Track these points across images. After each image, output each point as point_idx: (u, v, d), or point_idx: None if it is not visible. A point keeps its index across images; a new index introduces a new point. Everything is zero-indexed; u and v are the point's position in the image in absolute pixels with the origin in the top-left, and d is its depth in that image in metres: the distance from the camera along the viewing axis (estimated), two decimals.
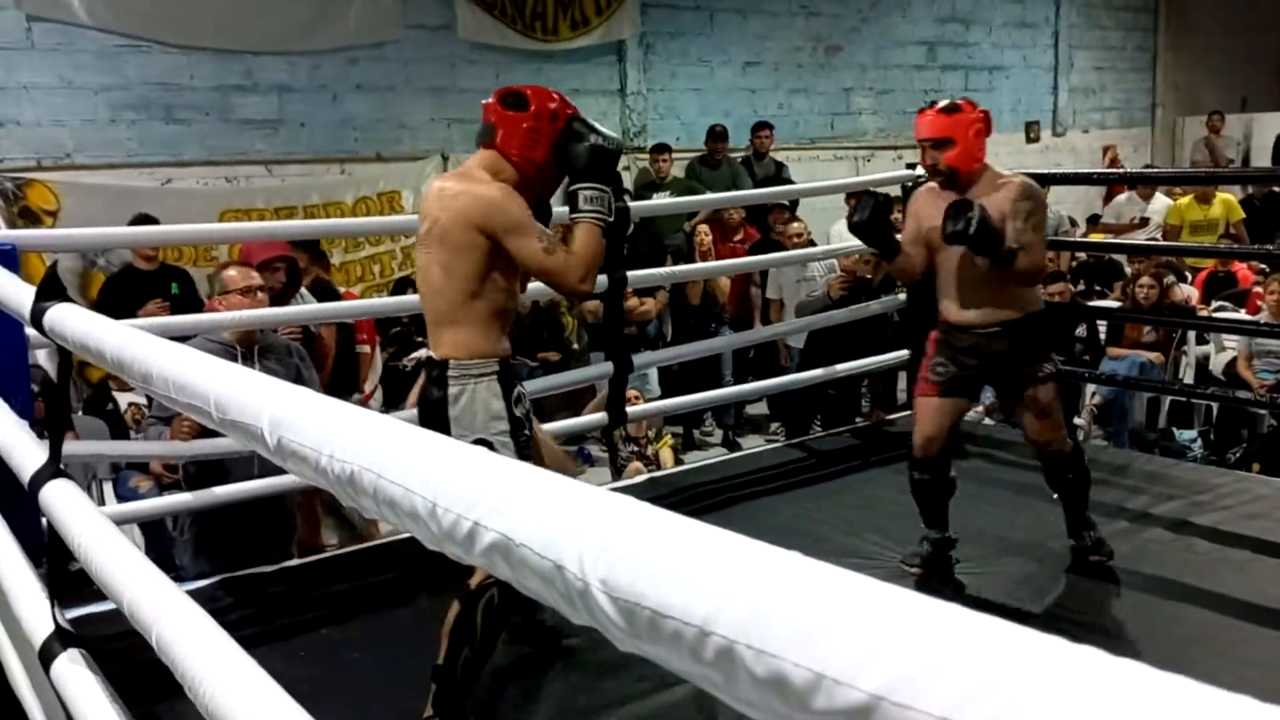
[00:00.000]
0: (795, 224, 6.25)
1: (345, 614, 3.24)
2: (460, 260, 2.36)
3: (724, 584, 0.46)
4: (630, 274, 4.38)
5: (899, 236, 3.39)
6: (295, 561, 3.60)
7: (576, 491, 0.59)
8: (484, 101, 2.52)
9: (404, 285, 6.59)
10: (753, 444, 6.22)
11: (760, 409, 6.80)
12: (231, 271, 3.56)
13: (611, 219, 2.49)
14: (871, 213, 3.22)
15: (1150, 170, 10.14)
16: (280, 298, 4.15)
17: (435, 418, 2.41)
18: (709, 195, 6.88)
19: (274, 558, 3.51)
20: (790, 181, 7.85)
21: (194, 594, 3.17)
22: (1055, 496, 3.42)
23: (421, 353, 4.58)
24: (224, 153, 6.38)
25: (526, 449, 2.48)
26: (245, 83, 6.43)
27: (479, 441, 2.32)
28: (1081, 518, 3.35)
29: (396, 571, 3.50)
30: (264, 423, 0.90)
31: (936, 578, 3.31)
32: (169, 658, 1.18)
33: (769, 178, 7.90)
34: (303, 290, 4.98)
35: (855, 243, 6.44)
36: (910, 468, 3.38)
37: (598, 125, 2.51)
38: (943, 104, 3.21)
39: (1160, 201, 8.30)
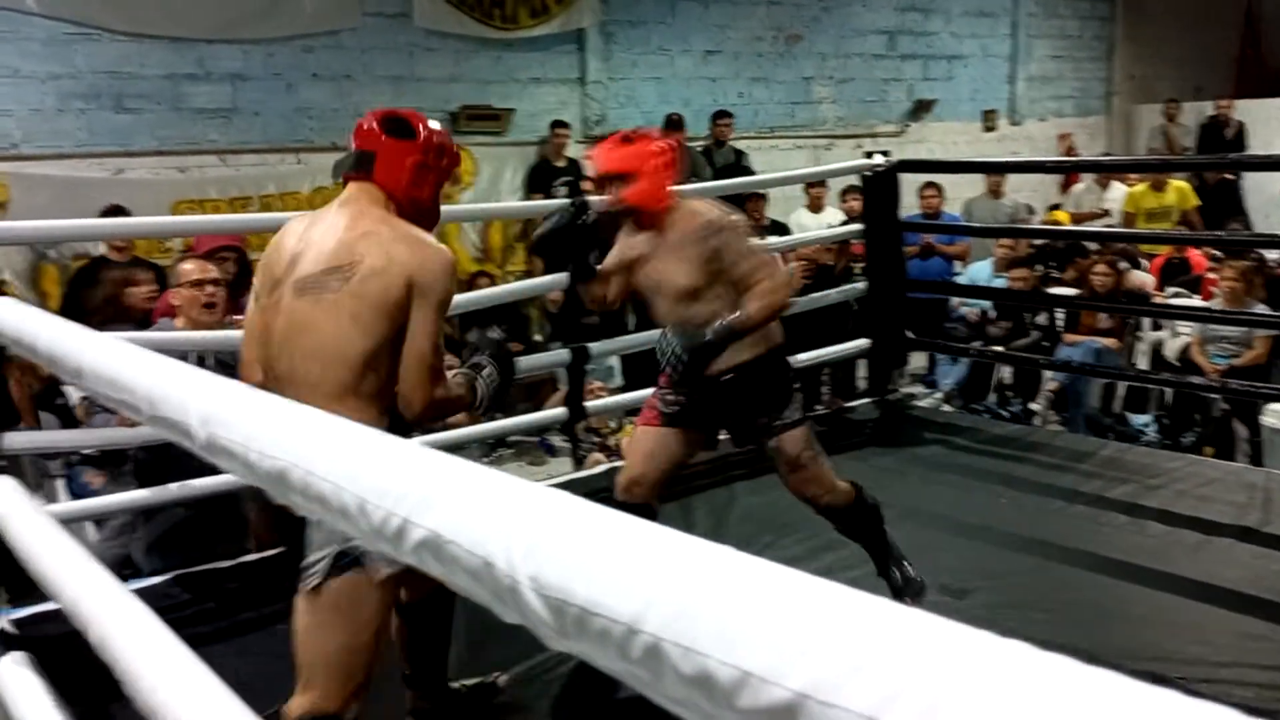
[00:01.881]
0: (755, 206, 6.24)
1: None
2: (377, 320, 1.94)
3: (652, 581, 0.45)
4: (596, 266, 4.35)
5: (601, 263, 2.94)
6: (252, 556, 3.55)
7: (506, 487, 0.58)
8: (359, 126, 2.16)
9: None
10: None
11: None
12: (187, 264, 3.53)
13: (479, 404, 2.17)
14: (564, 221, 2.84)
15: (1109, 158, 10.26)
16: (231, 288, 4.09)
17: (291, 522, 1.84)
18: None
19: (230, 553, 3.46)
20: (750, 170, 7.86)
21: (148, 590, 3.13)
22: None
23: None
24: (176, 142, 6.27)
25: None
26: (198, 71, 6.32)
27: (341, 554, 1.93)
28: (885, 556, 2.96)
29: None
30: (193, 418, 0.87)
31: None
32: (108, 655, 1.15)
33: (728, 166, 7.91)
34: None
35: (818, 232, 6.49)
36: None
37: (491, 331, 2.36)
38: (623, 133, 2.90)
39: (1117, 190, 8.40)
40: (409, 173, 2.07)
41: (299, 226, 2.12)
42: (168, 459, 3.30)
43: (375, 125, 2.10)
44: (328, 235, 2.01)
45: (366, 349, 1.94)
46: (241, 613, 3.15)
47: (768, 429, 2.76)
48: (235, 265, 4.27)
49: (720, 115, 8.14)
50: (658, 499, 2.85)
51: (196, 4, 6.17)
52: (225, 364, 3.46)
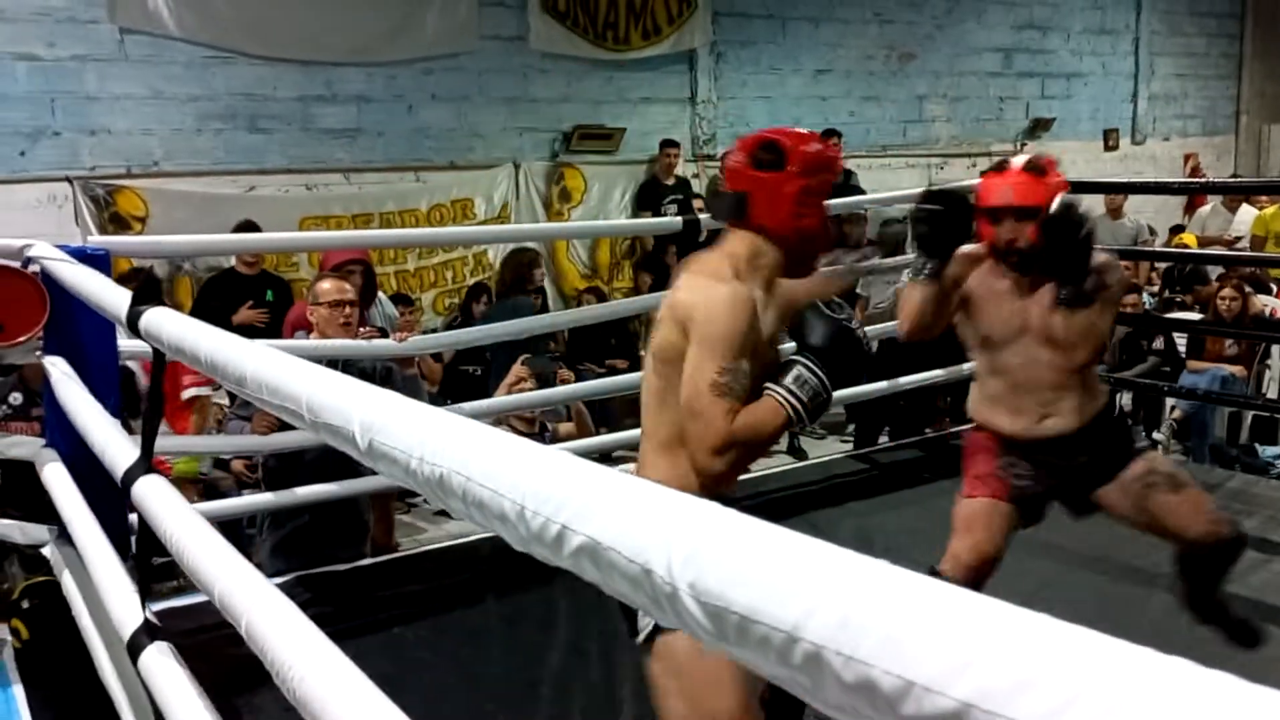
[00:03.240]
0: (856, 227, 6.19)
1: (415, 614, 3.29)
2: (675, 372, 1.81)
3: (813, 590, 0.47)
4: None
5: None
6: (368, 561, 3.67)
7: (664, 496, 0.61)
8: (725, 164, 2.00)
9: (479, 291, 6.69)
10: (822, 450, 6.19)
11: (838, 411, 6.74)
12: (325, 284, 3.63)
13: (805, 419, 1.85)
14: (948, 205, 2.48)
15: (1235, 179, 9.85)
16: (359, 301, 4.24)
17: None
18: None
19: (348, 557, 3.57)
20: (860, 190, 7.80)
21: None
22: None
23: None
24: (304, 161, 6.54)
25: None
26: (325, 93, 6.58)
27: None
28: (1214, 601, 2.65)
29: (467, 574, 3.55)
30: (355, 425, 0.93)
31: None
32: (259, 646, 1.22)
33: (838, 185, 7.84)
34: (381, 296, 5.10)
35: None
36: None
37: (844, 306, 1.99)
38: (1022, 161, 2.51)
39: (1247, 212, 8.08)
40: (789, 204, 1.87)
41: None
42: (295, 466, 3.45)
43: (744, 161, 1.91)
44: (669, 295, 1.91)
45: (672, 404, 1.82)
46: (358, 616, 3.25)
47: (1127, 459, 2.53)
48: (362, 278, 4.42)
49: (829, 134, 8.09)
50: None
51: (327, 28, 6.43)
52: (365, 372, 3.60)
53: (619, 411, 6.51)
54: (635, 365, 6.31)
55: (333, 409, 0.96)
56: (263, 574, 3.44)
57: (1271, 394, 6.00)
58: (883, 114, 8.92)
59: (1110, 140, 10.25)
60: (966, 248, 2.54)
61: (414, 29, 6.70)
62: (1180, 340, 6.23)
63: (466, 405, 4.17)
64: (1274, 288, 6.87)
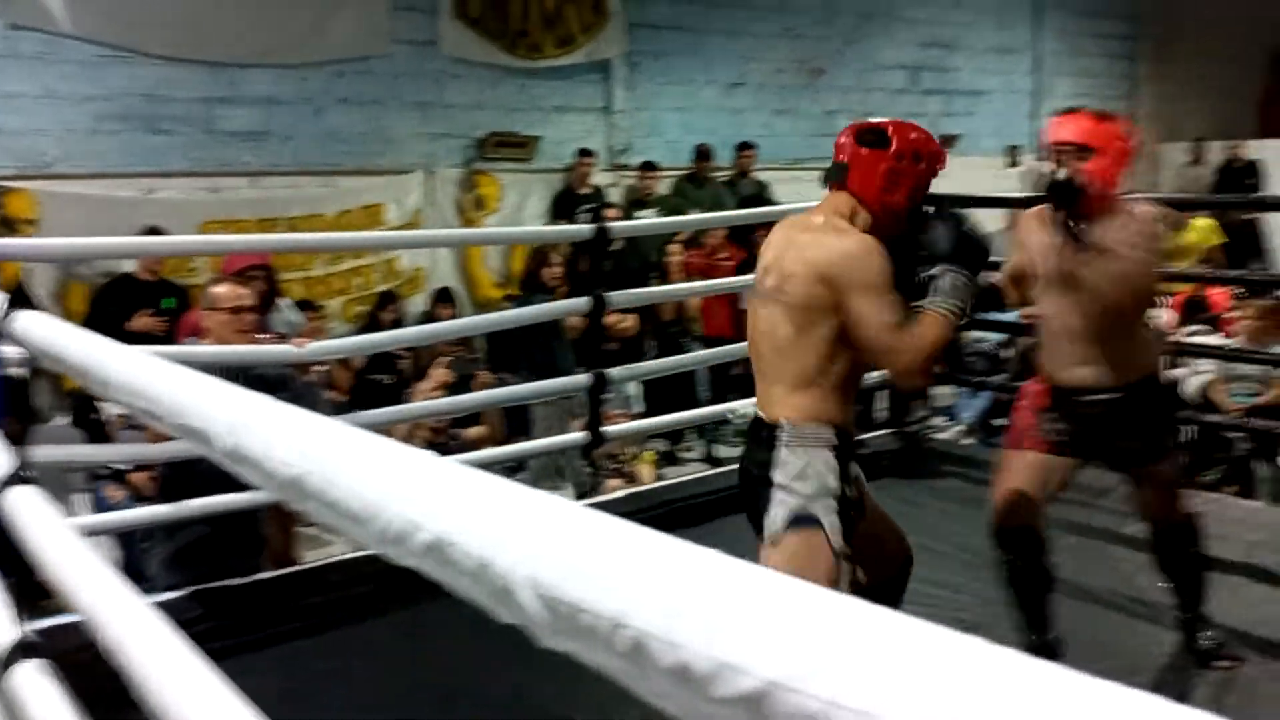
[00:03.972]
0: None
1: (316, 628, 3.22)
2: (811, 320, 2.13)
3: (638, 580, 0.47)
4: (610, 294, 4.40)
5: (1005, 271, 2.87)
6: (267, 574, 3.58)
7: (507, 493, 0.61)
8: (838, 139, 2.31)
9: (387, 300, 6.59)
10: (737, 458, 6.23)
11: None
12: (221, 289, 3.54)
13: (966, 315, 2.19)
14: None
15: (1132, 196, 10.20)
16: (259, 307, 4.15)
17: (756, 482, 2.19)
18: (693, 216, 6.92)
19: (245, 570, 3.49)
20: (774, 201, 7.91)
21: (164, 606, 3.15)
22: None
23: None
24: (207, 164, 6.38)
25: (851, 533, 2.18)
26: (230, 94, 6.43)
27: (803, 513, 2.13)
28: (1194, 604, 2.85)
29: (371, 585, 3.48)
30: (218, 427, 0.91)
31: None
32: (126, 668, 1.18)
33: (752, 197, 7.96)
34: (283, 301, 5.00)
35: None
36: (997, 545, 2.77)
37: (961, 213, 2.28)
38: (1094, 110, 2.73)
39: None
40: (880, 179, 2.20)
41: (779, 235, 2.31)
42: (190, 475, 3.35)
43: (850, 138, 2.28)
44: (779, 246, 2.25)
45: (809, 352, 2.14)
46: (256, 630, 3.17)
47: (1160, 450, 2.70)
48: (265, 284, 4.33)
49: (743, 146, 8.20)
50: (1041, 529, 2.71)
51: (232, 29, 6.29)
52: (262, 379, 3.52)
53: (535, 420, 6.49)
54: (553, 374, 6.28)
55: (196, 412, 0.93)
56: (157, 587, 3.35)
57: None
58: (795, 127, 9.05)
59: (1012, 156, 10.56)
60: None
61: (323, 32, 6.60)
62: None
63: (371, 413, 4.11)
64: (1165, 300, 7.14)
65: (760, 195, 8.09)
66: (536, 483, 5.31)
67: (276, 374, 3.59)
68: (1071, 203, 2.55)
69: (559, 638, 0.52)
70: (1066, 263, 2.59)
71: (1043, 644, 2.72)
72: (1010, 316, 6.75)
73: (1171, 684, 2.82)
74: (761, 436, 2.22)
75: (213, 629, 3.13)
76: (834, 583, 2.10)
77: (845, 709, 0.37)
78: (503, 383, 5.58)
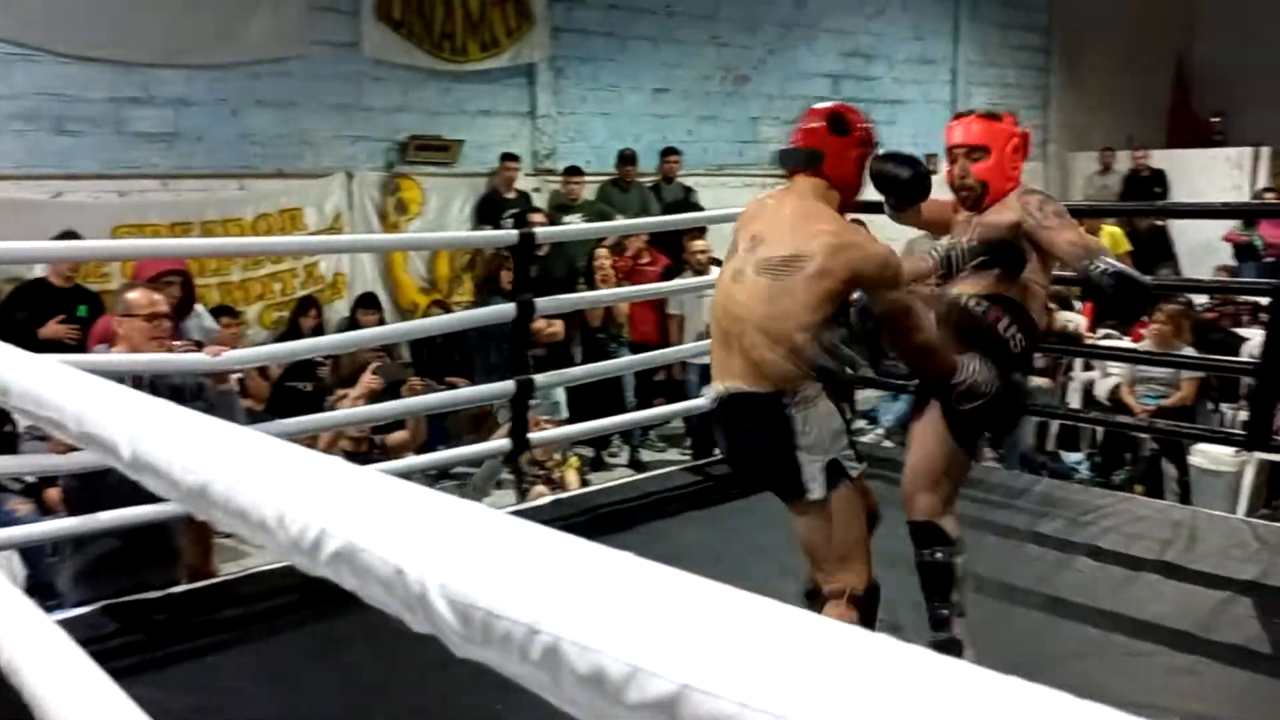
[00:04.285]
0: (698, 241, 6.32)
1: (233, 641, 3.15)
2: (817, 296, 2.33)
3: (552, 584, 0.46)
4: (538, 300, 4.37)
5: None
6: (182, 587, 3.48)
7: (418, 498, 0.59)
8: (801, 126, 2.53)
9: (307, 305, 6.46)
10: (662, 462, 6.25)
11: (677, 424, 6.82)
12: (134, 294, 3.43)
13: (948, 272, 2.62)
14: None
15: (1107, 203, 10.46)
16: (174, 314, 4.04)
17: (770, 454, 2.39)
18: (620, 221, 6.93)
19: (160, 583, 3.39)
20: (699, 206, 7.96)
21: (73, 622, 3.05)
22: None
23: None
24: (117, 166, 6.19)
25: (857, 454, 2.47)
26: (141, 95, 6.26)
27: (831, 464, 2.37)
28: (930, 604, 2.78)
29: (290, 597, 3.40)
30: (121, 435, 0.87)
31: None
32: (23, 686, 1.13)
33: (677, 202, 7.99)
34: (199, 308, 4.86)
35: None
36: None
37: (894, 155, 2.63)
38: (985, 109, 2.95)
39: None
40: (852, 165, 2.47)
41: (757, 210, 2.56)
42: (99, 487, 3.24)
43: (822, 123, 2.47)
44: (784, 227, 2.40)
45: (811, 320, 2.32)
46: (170, 644, 3.09)
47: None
48: (180, 289, 4.22)
49: (668, 152, 8.23)
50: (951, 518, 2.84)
51: (141, 28, 6.12)
52: (176, 388, 3.42)
53: (456, 428, 6.42)
54: (475, 381, 6.23)
55: (98, 420, 0.90)
56: (66, 602, 3.24)
57: (1074, 404, 6.41)
58: (719, 134, 9.12)
59: (931, 164, 10.76)
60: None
61: (238, 32, 6.45)
62: None
63: (289, 421, 4.03)
64: (1076, 305, 7.35)
65: (686, 200, 8.13)
66: (491, 479, 5.27)
67: (192, 382, 3.50)
68: (905, 198, 2.77)
69: (473, 646, 0.51)
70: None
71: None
72: None
73: (1081, 678, 2.90)
74: (758, 408, 2.37)
75: (125, 645, 3.05)
76: (859, 517, 2.47)
77: (758, 711, 0.36)
78: (430, 389, 5.50)
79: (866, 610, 2.56)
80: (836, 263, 2.33)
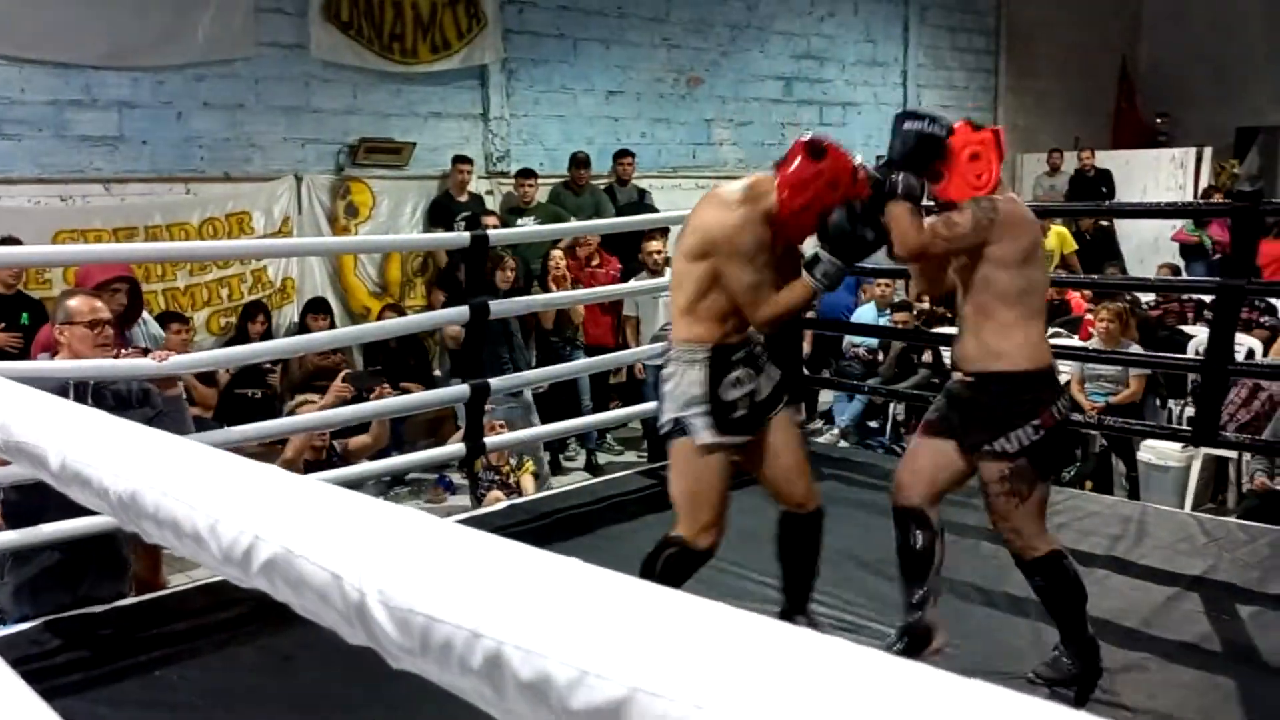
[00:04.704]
0: (654, 243, 6.31)
1: (182, 655, 3.08)
2: (692, 267, 2.63)
3: (495, 588, 0.44)
4: (491, 303, 4.34)
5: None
6: (130, 600, 3.41)
7: (354, 504, 0.57)
8: (801, 138, 2.71)
9: (255, 310, 6.36)
10: (619, 465, 6.23)
11: (634, 426, 6.80)
12: (75, 301, 3.34)
13: (825, 290, 2.73)
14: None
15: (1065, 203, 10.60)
16: (121, 322, 3.96)
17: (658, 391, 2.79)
18: (574, 223, 6.90)
19: (106, 597, 3.31)
20: (653, 208, 7.95)
21: (13, 639, 2.96)
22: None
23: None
24: (59, 170, 6.06)
25: (736, 427, 2.66)
26: (83, 98, 6.12)
27: (675, 421, 2.64)
28: (1070, 633, 2.76)
29: (241, 609, 3.34)
30: (50, 445, 0.83)
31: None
32: None
33: (631, 204, 7.98)
34: (145, 315, 4.76)
35: None
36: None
37: (867, 218, 2.68)
38: None
39: None
40: (795, 182, 2.63)
41: (700, 201, 2.79)
42: (40, 498, 3.15)
43: (804, 143, 2.68)
44: (695, 212, 2.73)
45: (690, 290, 2.64)
46: (116, 660, 3.02)
47: (976, 447, 2.68)
48: (127, 296, 4.13)
49: (622, 154, 8.23)
50: (934, 508, 2.80)
51: (83, 30, 5.99)
52: (120, 395, 3.34)
53: (411, 432, 6.36)
54: (431, 387, 6.17)
55: (25, 430, 0.86)
56: (8, 619, 3.14)
57: None
58: (673, 136, 9.13)
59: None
60: None
61: (183, 33, 6.33)
62: (946, 353, 6.65)
63: (243, 428, 3.96)
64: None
65: (640, 202, 8.12)
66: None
67: (139, 389, 3.43)
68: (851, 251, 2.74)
69: (411, 657, 0.48)
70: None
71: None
72: (883, 321, 6.95)
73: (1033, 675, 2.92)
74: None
75: (69, 662, 2.97)
76: (699, 478, 2.67)
77: (711, 714, 0.35)
78: (404, 394, 5.44)
79: (677, 567, 2.72)
80: (699, 234, 2.64)
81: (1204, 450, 5.06)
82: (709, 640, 0.39)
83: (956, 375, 2.82)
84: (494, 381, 4.41)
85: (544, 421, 5.55)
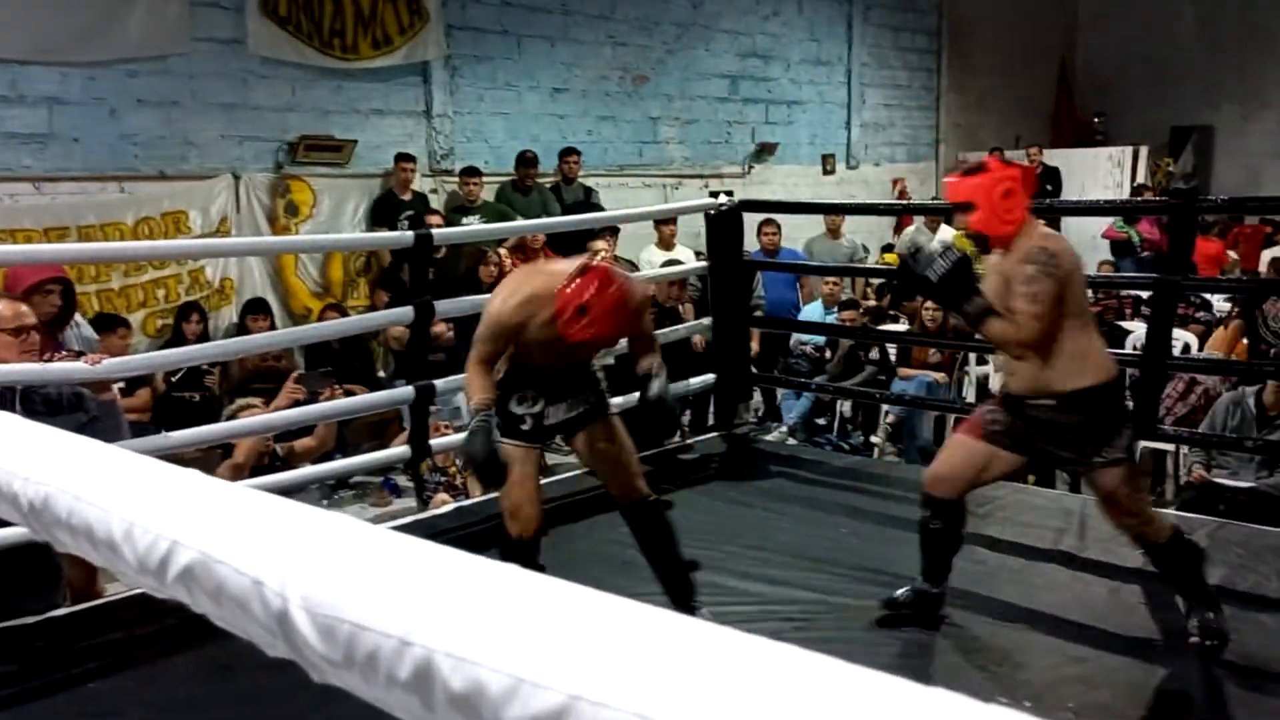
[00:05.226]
0: (600, 242, 6.27)
1: (117, 665, 3.00)
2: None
3: (423, 594, 0.41)
4: (437, 303, 4.28)
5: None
6: (63, 610, 3.31)
7: (275, 507, 0.53)
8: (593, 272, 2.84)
9: (189, 310, 6.22)
10: (565, 465, 6.18)
11: None
12: None
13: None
14: (953, 267, 2.89)
15: (937, 201, 10.75)
16: (54, 324, 3.83)
17: None
18: (519, 222, 6.84)
19: (38, 607, 3.21)
20: (600, 207, 7.92)
21: None
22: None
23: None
24: None
25: (521, 436, 2.96)
26: (9, 94, 5.93)
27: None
28: (1199, 598, 2.96)
29: (180, 617, 3.24)
30: None
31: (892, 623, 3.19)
32: None
33: (578, 203, 7.94)
34: (77, 318, 4.62)
35: (662, 270, 6.56)
36: (923, 506, 3.14)
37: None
38: (970, 164, 3.08)
39: (946, 232, 8.83)
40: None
41: None
42: None
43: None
44: None
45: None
46: (49, 673, 2.93)
47: (1088, 461, 2.85)
48: (60, 298, 4.00)
49: (568, 152, 8.18)
50: (964, 501, 3.08)
51: (8, 24, 5.80)
52: (51, 399, 3.24)
53: (351, 436, 6.25)
54: (375, 389, 6.08)
55: None
56: None
57: (970, 397, 6.56)
58: (619, 134, 9.10)
59: (827, 165, 10.95)
60: None
61: (115, 28, 6.17)
62: (892, 350, 6.71)
63: (182, 433, 3.86)
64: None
65: (587, 201, 8.08)
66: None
67: (71, 393, 3.32)
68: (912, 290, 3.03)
69: (338, 670, 0.45)
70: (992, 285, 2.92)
71: (936, 594, 3.15)
72: (830, 319, 6.99)
73: (979, 670, 2.94)
74: None
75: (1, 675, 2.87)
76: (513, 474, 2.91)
77: None
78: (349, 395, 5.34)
79: (509, 559, 2.82)
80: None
81: (1142, 443, 5.15)
82: (653, 646, 0.36)
83: (1031, 402, 2.88)
84: (439, 383, 4.35)
85: None
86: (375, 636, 0.43)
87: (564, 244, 7.14)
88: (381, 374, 6.75)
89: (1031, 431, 2.91)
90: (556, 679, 0.36)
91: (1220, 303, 7.10)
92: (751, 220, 7.47)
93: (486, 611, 0.41)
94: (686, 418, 6.60)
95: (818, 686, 0.35)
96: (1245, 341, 6.05)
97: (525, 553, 2.95)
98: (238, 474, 3.99)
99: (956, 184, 2.98)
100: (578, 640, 0.37)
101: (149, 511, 0.58)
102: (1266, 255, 9.39)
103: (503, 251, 6.56)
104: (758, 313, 6.93)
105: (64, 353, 3.73)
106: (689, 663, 0.35)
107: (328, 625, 0.45)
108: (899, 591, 3.18)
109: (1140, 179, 11.41)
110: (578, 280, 2.78)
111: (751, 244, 7.55)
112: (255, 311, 6.30)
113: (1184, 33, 12.46)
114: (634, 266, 6.99)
